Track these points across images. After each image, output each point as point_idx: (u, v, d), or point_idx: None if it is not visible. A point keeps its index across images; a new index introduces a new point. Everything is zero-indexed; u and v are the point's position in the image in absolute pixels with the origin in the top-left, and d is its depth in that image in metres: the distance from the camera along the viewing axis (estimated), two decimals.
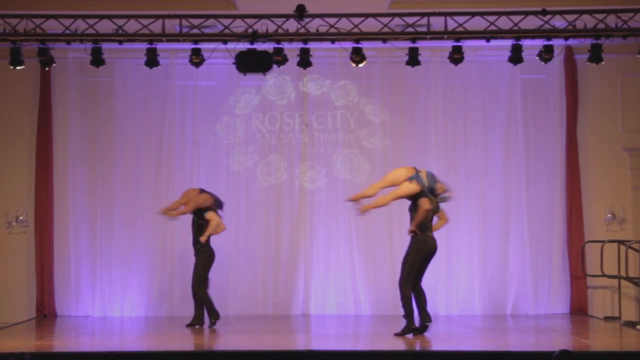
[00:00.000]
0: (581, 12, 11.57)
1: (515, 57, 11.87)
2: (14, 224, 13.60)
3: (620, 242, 13.08)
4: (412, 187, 10.79)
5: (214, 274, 12.15)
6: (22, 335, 11.57)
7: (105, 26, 11.64)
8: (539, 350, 9.78)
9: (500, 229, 13.55)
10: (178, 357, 9.65)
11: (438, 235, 10.92)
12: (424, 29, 11.69)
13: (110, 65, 12.82)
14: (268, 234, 13.59)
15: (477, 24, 11.64)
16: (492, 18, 11.61)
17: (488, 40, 11.70)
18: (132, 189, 13.55)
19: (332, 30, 11.61)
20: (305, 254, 13.54)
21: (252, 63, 11.60)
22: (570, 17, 11.64)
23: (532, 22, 11.68)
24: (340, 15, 11.59)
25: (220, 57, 12.10)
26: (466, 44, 11.95)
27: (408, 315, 10.70)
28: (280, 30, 11.66)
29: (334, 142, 13.74)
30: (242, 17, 11.69)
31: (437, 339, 10.66)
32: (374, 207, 11.12)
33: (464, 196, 13.13)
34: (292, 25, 11.63)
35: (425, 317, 10.78)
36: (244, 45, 11.67)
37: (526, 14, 11.58)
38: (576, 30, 11.69)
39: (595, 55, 11.79)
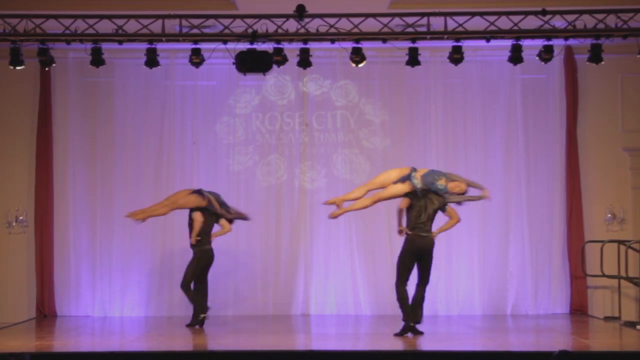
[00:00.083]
0: (581, 12, 11.56)
1: (515, 57, 11.86)
2: (14, 224, 13.59)
3: (620, 242, 13.08)
4: (399, 188, 10.72)
5: (213, 274, 12.13)
6: (22, 335, 11.56)
7: (105, 26, 11.64)
8: (539, 350, 9.77)
9: (500, 229, 13.55)
10: (178, 357, 9.65)
11: (438, 235, 10.90)
12: (424, 29, 11.68)
13: (110, 65, 12.82)
14: (268, 234, 13.58)
15: (477, 24, 11.64)
16: (492, 18, 11.60)
17: (488, 40, 11.69)
18: (132, 189, 13.53)
19: (332, 30, 11.61)
20: (305, 254, 13.54)
21: (252, 63, 11.60)
22: (570, 17, 11.63)
23: (532, 22, 11.67)
24: (340, 15, 11.58)
25: (220, 57, 12.09)
26: (466, 44, 11.94)
27: (405, 315, 10.68)
28: (280, 30, 11.66)
29: (334, 142, 13.73)
30: (242, 17, 11.68)
31: (437, 339, 10.67)
32: (350, 211, 11.09)
33: None
34: (292, 25, 11.62)
35: (411, 316, 10.64)
36: (243, 45, 11.66)
37: (526, 14, 11.57)
38: (576, 30, 11.68)
39: (595, 55, 11.78)
